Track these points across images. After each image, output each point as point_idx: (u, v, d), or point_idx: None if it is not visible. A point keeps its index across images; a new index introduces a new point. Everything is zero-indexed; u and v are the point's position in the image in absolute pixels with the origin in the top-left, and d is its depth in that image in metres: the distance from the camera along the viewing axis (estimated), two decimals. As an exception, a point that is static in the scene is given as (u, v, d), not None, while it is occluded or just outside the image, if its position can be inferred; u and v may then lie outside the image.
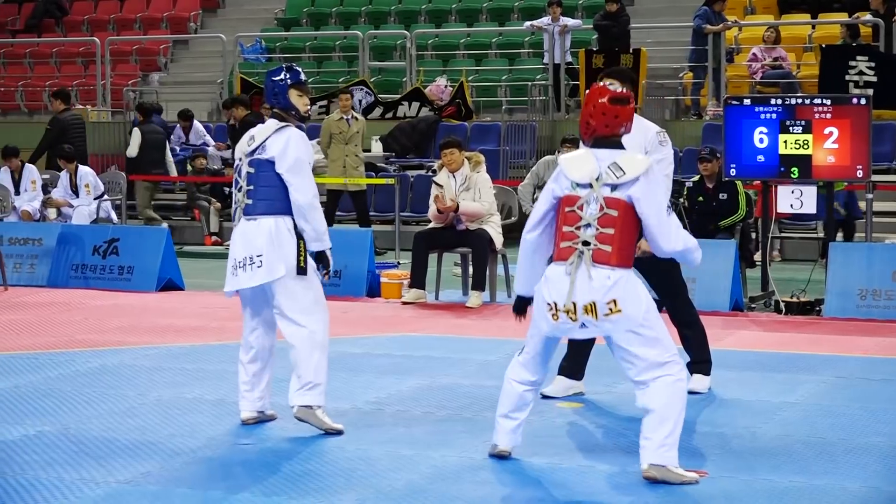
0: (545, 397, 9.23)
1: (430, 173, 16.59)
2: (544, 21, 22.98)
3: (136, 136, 20.98)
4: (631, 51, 21.06)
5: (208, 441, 8.09)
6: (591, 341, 9.31)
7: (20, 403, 9.18)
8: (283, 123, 8.36)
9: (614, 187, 7.20)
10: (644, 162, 7.30)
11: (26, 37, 29.35)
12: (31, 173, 19.06)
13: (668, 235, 7.29)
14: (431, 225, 14.37)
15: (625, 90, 7.72)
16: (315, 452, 7.82)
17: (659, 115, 21.39)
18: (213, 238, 20.60)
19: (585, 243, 7.18)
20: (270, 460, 7.65)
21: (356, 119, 19.07)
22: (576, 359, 9.41)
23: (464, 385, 9.87)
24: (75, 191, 18.94)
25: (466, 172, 14.05)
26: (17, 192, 18.77)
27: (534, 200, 16.44)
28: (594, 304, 7.13)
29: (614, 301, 7.10)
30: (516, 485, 7.18)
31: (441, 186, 14.01)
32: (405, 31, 24.95)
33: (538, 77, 23.16)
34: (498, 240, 14.13)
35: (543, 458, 7.72)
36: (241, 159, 8.43)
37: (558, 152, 16.89)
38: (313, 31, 27.21)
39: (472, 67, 24.59)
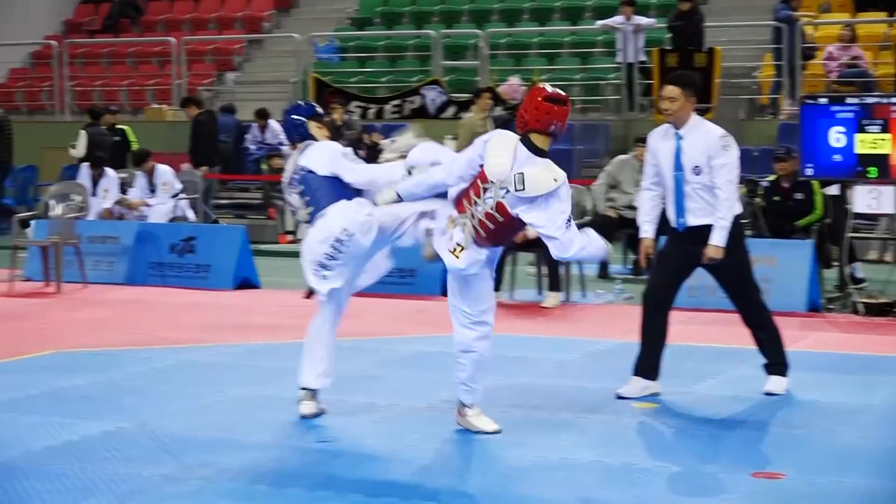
0: (620, 398, 9.23)
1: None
2: (617, 20, 22.90)
3: (82, 138, 21.22)
4: (705, 49, 20.96)
5: (285, 439, 8.15)
6: (663, 340, 9.31)
7: (100, 400, 9.29)
8: (306, 142, 8.66)
9: (509, 194, 7.77)
10: (546, 185, 7.76)
11: (103, 37, 29.62)
12: (109, 180, 19.24)
13: (564, 247, 7.94)
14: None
15: (559, 91, 8.03)
16: (391, 451, 7.84)
17: (733, 114, 21.29)
18: (289, 236, 20.70)
19: (473, 217, 7.90)
20: (347, 458, 7.69)
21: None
22: (650, 359, 9.39)
23: (539, 384, 9.87)
24: (152, 189, 19.12)
25: None
26: (94, 193, 18.97)
27: (608, 200, 16.44)
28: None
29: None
30: (591, 485, 7.17)
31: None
32: (478, 31, 24.95)
33: (611, 76, 23.10)
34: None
35: (618, 458, 7.71)
36: (289, 186, 8.66)
37: (631, 152, 16.85)
38: (386, 31, 27.28)
39: (545, 67, 24.55)
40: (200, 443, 8.03)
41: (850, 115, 13.31)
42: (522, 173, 7.72)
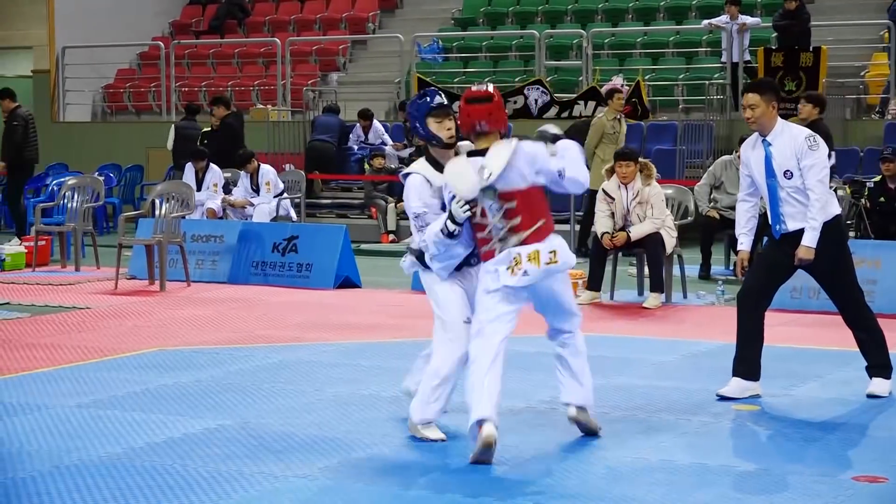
0: (722, 398, 9.17)
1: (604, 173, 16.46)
2: (722, 19, 22.74)
3: (171, 131, 21.93)
4: (811, 49, 20.74)
5: (384, 438, 8.18)
6: (760, 341, 9.23)
7: (202, 397, 9.39)
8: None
9: (493, 187, 7.62)
10: (505, 151, 7.61)
11: (209, 38, 29.94)
12: (215, 175, 19.47)
13: (575, 182, 7.77)
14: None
15: (485, 88, 7.87)
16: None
17: (839, 114, 21.06)
18: (391, 236, 20.79)
19: (502, 240, 7.68)
20: (444, 458, 7.70)
21: (626, 120, 18.95)
22: (748, 360, 9.31)
23: (639, 385, 9.83)
24: (256, 189, 19.30)
25: (638, 186, 13.95)
26: (199, 190, 19.22)
27: (711, 201, 16.32)
28: (538, 252, 7.68)
29: (554, 252, 7.71)
30: (691, 486, 7.13)
31: (612, 199, 13.93)
32: (581, 31, 24.88)
33: (716, 76, 22.94)
34: (669, 243, 14.02)
35: (718, 460, 7.66)
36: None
37: (735, 152, 16.71)
38: (490, 31, 27.30)
39: (649, 66, 24.45)
40: (300, 441, 8.08)
41: (960, 115, 13.11)
42: (482, 165, 7.62)
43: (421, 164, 8.12)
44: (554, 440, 8.08)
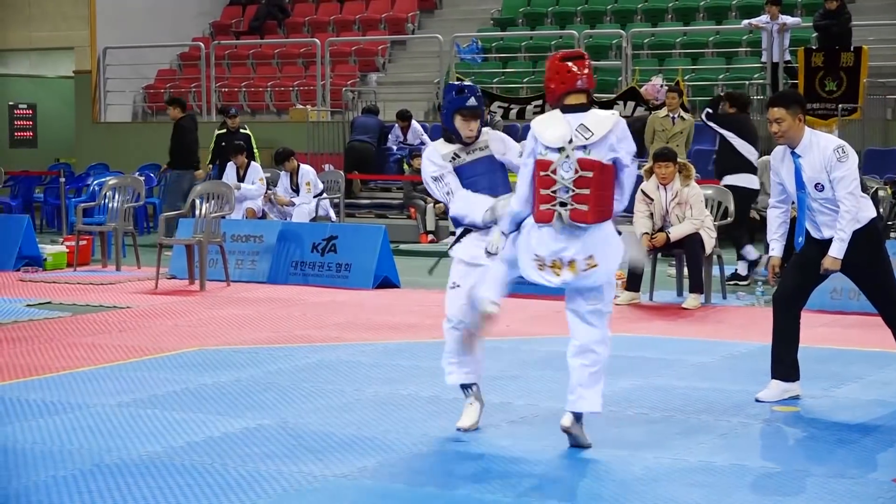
0: (759, 401, 9.14)
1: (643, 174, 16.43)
2: (762, 19, 22.65)
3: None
4: (852, 49, 20.65)
5: (423, 438, 8.19)
6: (796, 342, 9.26)
7: (241, 397, 9.42)
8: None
9: (586, 148, 7.60)
10: (609, 119, 7.70)
11: (249, 38, 30.03)
12: (257, 171, 19.55)
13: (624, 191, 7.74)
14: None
15: (571, 50, 8.16)
16: (527, 451, 7.84)
17: (881, 114, 20.95)
18: (430, 237, 20.81)
19: (563, 204, 7.61)
20: (483, 459, 7.71)
21: (682, 119, 18.89)
22: (786, 361, 9.29)
23: (678, 386, 9.81)
24: (296, 189, 19.35)
25: (677, 187, 13.93)
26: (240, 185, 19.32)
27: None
28: (574, 261, 7.65)
29: (591, 256, 7.63)
30: (729, 489, 7.11)
31: (651, 200, 13.91)
32: (621, 31, 24.85)
33: (756, 76, 22.86)
34: (709, 243, 13.99)
35: (757, 462, 7.64)
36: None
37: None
38: (529, 31, 27.28)
39: (689, 66, 24.38)
40: (339, 441, 8.10)
41: None
42: (583, 123, 7.67)
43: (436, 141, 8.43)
44: (592, 441, 8.04)
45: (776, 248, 9.35)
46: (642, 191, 14.04)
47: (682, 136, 18.52)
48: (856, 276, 9.23)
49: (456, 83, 8.64)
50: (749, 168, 15.92)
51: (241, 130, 21.11)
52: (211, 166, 21.07)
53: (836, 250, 8.95)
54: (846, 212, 8.90)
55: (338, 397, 9.40)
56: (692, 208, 13.88)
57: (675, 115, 18.67)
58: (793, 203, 9.28)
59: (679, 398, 9.37)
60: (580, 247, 7.62)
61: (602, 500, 6.92)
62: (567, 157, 7.61)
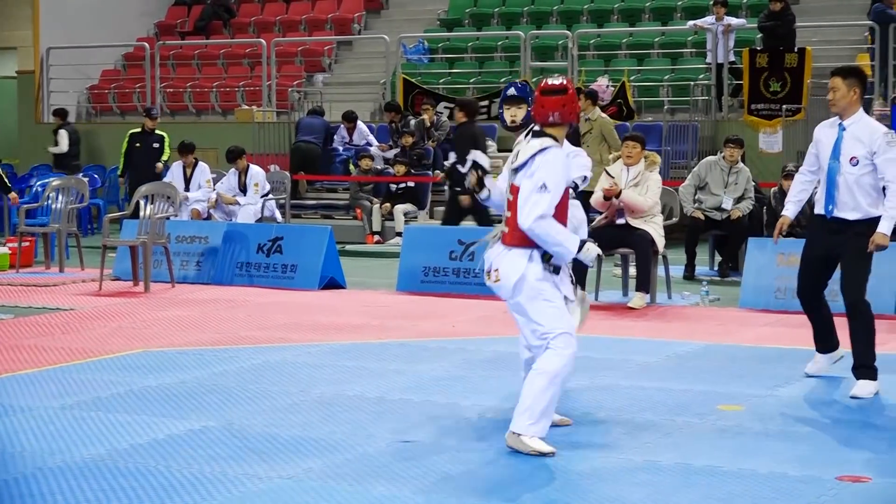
0: (808, 376, 9.93)
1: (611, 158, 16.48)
2: (708, 20, 22.78)
3: (63, 137, 23.24)
4: (796, 50, 20.78)
5: (369, 438, 8.17)
6: (831, 322, 9.85)
7: (186, 399, 9.37)
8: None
9: (516, 172, 7.84)
10: (534, 146, 7.76)
11: (195, 38, 29.90)
12: (205, 172, 19.47)
13: (521, 210, 7.68)
14: (593, 224, 14.29)
15: (562, 81, 7.95)
16: (475, 451, 7.84)
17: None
18: (376, 237, 20.78)
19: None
20: (429, 459, 7.69)
21: (588, 120, 18.96)
22: (828, 338, 9.93)
23: (623, 386, 9.83)
24: (243, 189, 19.26)
25: (640, 169, 14.05)
26: (187, 188, 19.21)
27: (695, 202, 16.35)
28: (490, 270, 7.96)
29: (497, 270, 7.89)
30: (675, 487, 7.13)
31: (612, 177, 13.99)
32: (567, 32, 24.89)
33: (701, 77, 22.97)
34: (660, 241, 14.05)
35: (702, 460, 7.66)
36: None
37: (720, 153, 16.75)
38: (475, 32, 27.30)
39: (634, 67, 24.46)
40: (285, 442, 8.07)
41: (943, 115, 13.15)
42: (517, 151, 7.92)
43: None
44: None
45: (790, 210, 9.87)
46: (605, 170, 14.16)
47: (591, 136, 18.58)
48: (845, 258, 9.57)
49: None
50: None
51: (157, 132, 20.97)
52: (122, 179, 21.11)
53: (886, 227, 9.34)
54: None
55: (283, 398, 9.36)
56: (649, 189, 13.96)
57: (586, 116, 18.75)
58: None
59: (624, 398, 9.39)
60: (496, 259, 7.92)
61: (547, 499, 6.92)
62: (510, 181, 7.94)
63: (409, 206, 20.52)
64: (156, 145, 21.00)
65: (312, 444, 8.03)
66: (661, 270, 14.42)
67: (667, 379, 10.09)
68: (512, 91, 8.70)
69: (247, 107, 25.73)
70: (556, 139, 7.88)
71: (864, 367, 9.45)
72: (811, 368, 10.03)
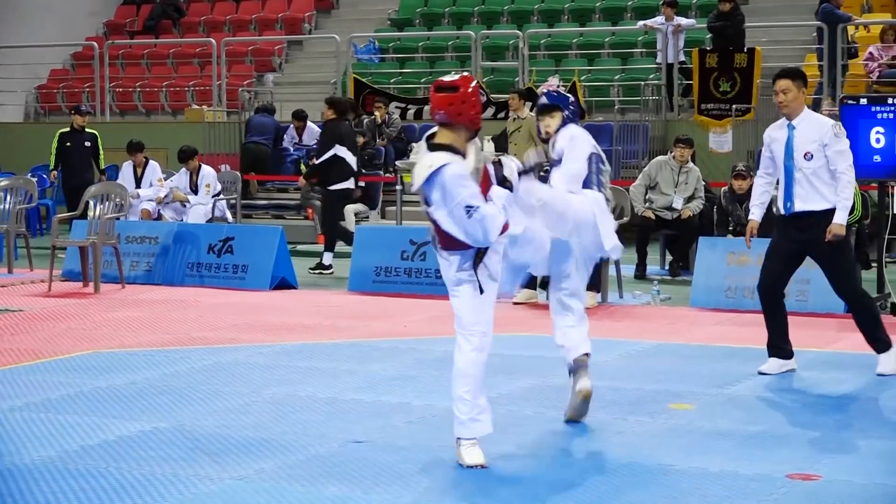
0: (761, 373, 9.98)
1: (543, 174, 16.53)
2: (658, 20, 22.86)
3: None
4: (745, 50, 20.89)
5: (321, 439, 8.15)
6: (786, 323, 9.99)
7: (136, 400, 9.32)
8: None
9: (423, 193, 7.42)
10: (422, 174, 7.28)
11: (144, 38, 29.76)
12: (156, 171, 19.36)
13: (472, 235, 7.30)
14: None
15: (455, 79, 7.37)
16: (425, 451, 7.84)
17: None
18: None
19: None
20: (382, 459, 7.68)
21: (516, 119, 19.04)
22: (781, 342, 10.04)
23: (575, 385, 9.83)
24: (194, 189, 19.18)
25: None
26: (138, 187, 19.10)
27: (646, 201, 16.42)
28: None
29: None
30: (625, 486, 7.15)
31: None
32: (518, 31, 24.93)
33: (651, 77, 23.04)
34: (610, 241, 14.06)
35: (653, 459, 7.69)
36: None
37: (670, 152, 16.81)
38: (426, 32, 27.29)
39: (585, 67, 24.51)
40: (237, 443, 8.05)
41: (891, 115, 13.24)
42: (412, 171, 7.58)
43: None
44: (489, 440, 8.05)
45: (756, 213, 10.12)
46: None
47: (519, 135, 18.67)
48: (825, 258, 9.83)
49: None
50: (351, 173, 17.20)
51: (87, 130, 20.76)
52: (55, 172, 20.83)
53: (841, 217, 9.65)
54: (848, 181, 9.67)
55: (235, 399, 9.33)
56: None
57: (515, 115, 18.85)
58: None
59: (576, 397, 9.39)
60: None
61: (497, 499, 6.93)
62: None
63: (360, 206, 20.48)
64: (87, 144, 20.57)
65: (264, 444, 8.01)
66: (612, 270, 14.45)
67: (618, 378, 10.12)
68: (543, 100, 8.68)
69: (197, 106, 25.63)
70: (451, 147, 7.29)
71: (877, 340, 10.02)
72: (765, 368, 10.13)
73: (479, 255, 7.45)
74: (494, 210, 7.28)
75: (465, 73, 7.49)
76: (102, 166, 20.46)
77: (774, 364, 10.11)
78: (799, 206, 9.72)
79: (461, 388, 7.58)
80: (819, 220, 9.70)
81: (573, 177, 8.56)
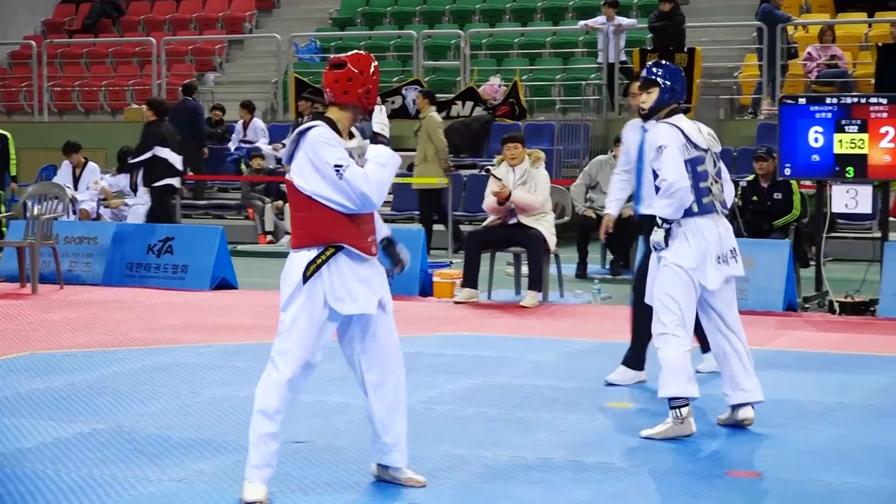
0: (610, 384, 9.68)
1: (483, 172, 16.59)
2: (599, 20, 22.93)
3: None
4: (685, 50, 20.99)
5: (261, 439, 8.10)
6: (643, 330, 9.53)
7: (75, 401, 9.26)
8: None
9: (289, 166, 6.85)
10: (293, 138, 6.77)
11: (83, 37, 29.54)
12: (94, 173, 19.23)
13: (347, 197, 6.64)
14: (485, 223, 14.38)
15: (345, 56, 6.78)
16: (366, 452, 7.80)
17: (713, 114, 21.31)
18: (268, 237, 20.67)
19: None
20: (323, 459, 7.66)
21: (419, 118, 19.04)
22: (640, 352, 9.79)
23: (516, 384, 9.86)
24: (134, 189, 19.07)
25: (526, 167, 14.08)
26: (76, 188, 18.97)
27: (587, 200, 16.46)
28: None
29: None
30: (567, 485, 7.16)
31: (499, 179, 14.01)
32: (459, 31, 24.94)
33: (592, 76, 23.11)
34: (551, 240, 14.10)
35: (594, 458, 7.70)
36: (707, 151, 8.43)
37: (611, 152, 16.87)
38: (368, 31, 27.25)
39: (526, 67, 24.56)
40: (176, 444, 8.00)
41: (829, 115, 13.34)
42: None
43: None
44: (431, 440, 8.05)
45: (612, 208, 10.19)
46: (492, 173, 14.14)
47: (420, 134, 18.72)
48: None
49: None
50: (175, 172, 17.30)
51: None
52: None
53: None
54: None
55: (174, 400, 9.28)
56: (537, 187, 14.00)
57: (420, 115, 18.93)
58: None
59: (517, 396, 9.42)
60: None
61: (439, 498, 6.92)
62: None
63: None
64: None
65: (204, 445, 7.96)
66: (553, 269, 14.48)
67: (559, 377, 10.14)
68: (643, 73, 8.56)
69: (136, 106, 25.47)
70: (330, 121, 6.76)
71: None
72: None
73: (322, 258, 6.78)
74: (369, 169, 6.67)
75: (361, 52, 6.93)
76: (14, 172, 19.44)
77: (627, 374, 9.85)
78: (643, 209, 9.57)
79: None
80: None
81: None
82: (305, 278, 6.74)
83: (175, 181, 17.47)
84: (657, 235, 8.25)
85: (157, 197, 17.36)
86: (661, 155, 8.20)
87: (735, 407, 8.43)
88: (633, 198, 9.90)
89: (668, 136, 8.29)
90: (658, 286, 8.27)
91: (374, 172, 6.67)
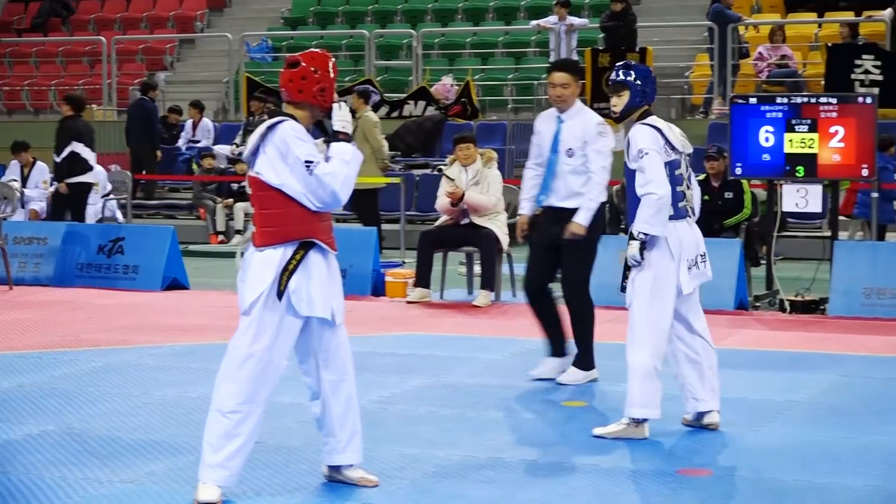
0: (536, 380, 9.79)
1: (436, 172, 16.60)
2: (550, 20, 22.97)
3: None
4: (637, 49, 21.06)
5: (212, 440, 8.06)
6: (559, 320, 9.86)
7: (24, 403, 9.19)
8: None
9: (251, 164, 6.76)
10: (259, 133, 6.70)
11: (32, 36, 29.38)
12: (42, 172, 19.09)
13: (315, 193, 6.59)
14: (438, 223, 14.39)
15: (299, 55, 6.76)
16: (316, 451, 7.78)
17: (665, 114, 21.35)
18: (220, 237, 20.60)
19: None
20: (275, 460, 7.64)
21: (355, 118, 19.01)
22: (557, 340, 9.93)
23: (469, 384, 9.86)
24: (25, 183, 18.96)
25: (478, 167, 14.08)
26: (24, 186, 18.83)
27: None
28: None
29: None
30: (520, 484, 7.17)
31: (452, 179, 14.01)
32: (411, 31, 24.95)
33: (544, 76, 23.15)
34: (504, 239, 14.11)
35: (546, 457, 7.71)
36: (681, 154, 8.28)
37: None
38: (320, 31, 27.23)
39: (478, 66, 24.59)
40: (127, 446, 7.95)
41: (779, 114, 13.42)
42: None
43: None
44: (383, 439, 8.04)
45: (526, 208, 9.93)
46: (444, 174, 14.13)
47: (356, 134, 18.68)
48: (565, 248, 9.62)
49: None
50: (88, 168, 17.46)
51: None
52: None
53: (584, 218, 9.50)
54: (598, 183, 9.50)
55: (125, 401, 9.23)
56: (490, 187, 14.02)
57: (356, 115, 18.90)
58: None
59: (470, 395, 9.42)
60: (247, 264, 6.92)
61: (392, 498, 6.90)
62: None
63: (250, 205, 20.39)
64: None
65: (155, 446, 7.92)
66: (505, 268, 14.49)
67: (511, 376, 10.15)
68: (612, 75, 8.34)
69: (87, 106, 25.31)
70: (293, 118, 6.73)
71: (584, 356, 9.82)
72: (538, 371, 9.92)
73: (294, 262, 6.75)
74: (335, 167, 6.60)
75: (317, 51, 6.87)
76: None
77: (549, 365, 9.90)
78: (553, 201, 9.59)
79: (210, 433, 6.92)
80: (569, 218, 9.53)
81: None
82: (280, 293, 6.75)
83: (90, 177, 17.54)
84: (633, 249, 8.01)
85: (74, 193, 17.37)
86: (641, 160, 8.00)
87: (701, 413, 8.41)
88: (541, 188, 9.75)
89: (648, 139, 8.08)
90: (638, 296, 8.17)
91: (340, 169, 6.64)
